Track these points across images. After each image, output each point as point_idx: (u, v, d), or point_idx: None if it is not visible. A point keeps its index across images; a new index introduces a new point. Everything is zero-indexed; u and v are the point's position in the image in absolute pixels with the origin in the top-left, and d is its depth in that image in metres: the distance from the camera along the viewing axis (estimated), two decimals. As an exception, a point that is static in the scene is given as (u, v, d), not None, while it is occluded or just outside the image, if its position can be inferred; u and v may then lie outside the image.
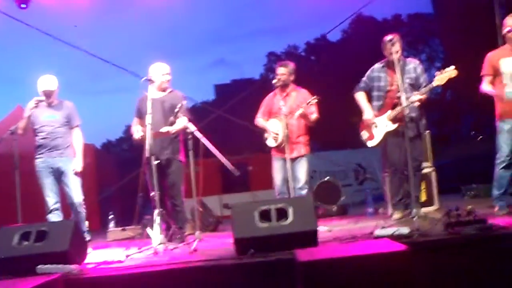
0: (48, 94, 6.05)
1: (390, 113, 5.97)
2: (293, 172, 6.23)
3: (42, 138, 6.01)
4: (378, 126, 6.08)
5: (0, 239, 4.61)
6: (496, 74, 5.56)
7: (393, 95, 5.87)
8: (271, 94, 6.69)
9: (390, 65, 5.96)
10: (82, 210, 6.04)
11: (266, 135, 6.58)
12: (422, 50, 27.76)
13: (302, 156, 6.39)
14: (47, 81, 6.07)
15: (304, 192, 6.33)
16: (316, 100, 6.23)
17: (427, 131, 7.07)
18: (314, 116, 6.38)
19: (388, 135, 6.03)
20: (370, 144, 6.23)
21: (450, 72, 5.46)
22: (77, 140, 6.16)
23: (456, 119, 24.66)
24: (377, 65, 6.18)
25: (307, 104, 6.20)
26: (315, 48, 30.59)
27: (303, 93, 6.47)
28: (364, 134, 6.25)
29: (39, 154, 6.01)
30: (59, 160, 5.99)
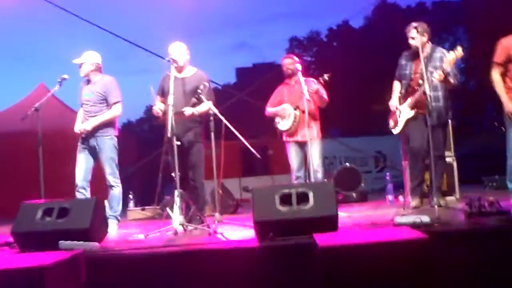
0: (80, 67, 6.13)
1: (410, 100, 5.95)
2: (307, 156, 6.48)
3: (83, 116, 6.12)
4: (401, 114, 6.06)
5: (24, 214, 4.69)
6: (509, 61, 5.47)
7: (416, 83, 5.85)
8: (280, 86, 6.96)
9: (415, 53, 5.91)
10: (113, 190, 6.06)
11: (277, 119, 6.77)
12: (446, 38, 27.39)
13: (315, 139, 6.54)
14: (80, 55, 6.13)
15: (319, 174, 6.50)
16: (328, 77, 6.45)
17: (449, 120, 7.04)
18: (325, 96, 6.60)
19: (409, 121, 6.00)
20: (394, 131, 6.22)
21: (457, 52, 5.46)
22: (110, 111, 6.08)
23: (479, 109, 24.34)
24: (404, 53, 6.16)
25: (320, 78, 6.50)
26: (337, 34, 30.37)
27: (311, 80, 6.65)
28: (391, 122, 6.25)
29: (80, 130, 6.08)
30: (94, 139, 6.02)
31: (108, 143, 6.05)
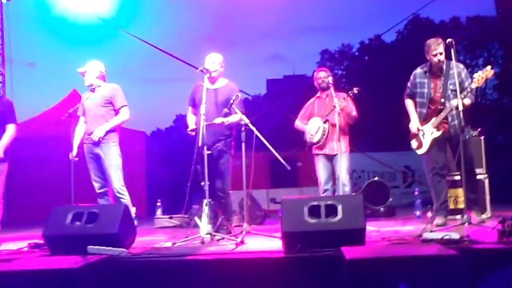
0: (83, 76, 6.17)
1: (434, 120, 5.89)
2: (335, 168, 6.49)
3: (87, 123, 6.14)
4: (425, 134, 6.00)
5: (54, 217, 4.76)
6: None
7: (437, 102, 5.79)
8: (311, 99, 6.96)
9: (433, 70, 5.86)
10: (122, 196, 5.99)
11: (306, 133, 6.79)
12: (480, 54, 27.07)
13: (343, 153, 6.50)
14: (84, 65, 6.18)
15: (347, 188, 6.47)
16: (357, 91, 6.48)
17: (482, 137, 6.97)
18: (353, 113, 6.59)
19: (434, 141, 5.93)
20: (419, 152, 6.14)
21: (487, 72, 5.36)
22: (119, 116, 6.07)
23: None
24: (419, 71, 6.06)
25: (348, 94, 6.51)
26: (369, 48, 30.24)
27: (341, 94, 6.63)
28: (414, 143, 6.17)
29: (85, 139, 6.11)
30: (98, 147, 6.00)
31: (112, 150, 6.03)
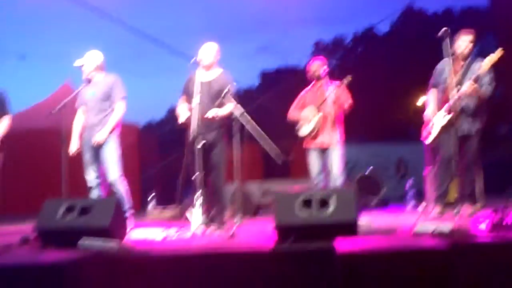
0: (83, 70, 6.13)
1: (446, 106, 5.96)
2: (328, 161, 6.50)
3: (87, 115, 6.11)
4: (435, 123, 6.11)
5: (47, 210, 4.74)
6: None
7: (454, 89, 5.85)
8: (305, 89, 6.92)
9: (456, 59, 5.98)
10: (119, 188, 5.99)
11: (299, 123, 6.75)
12: (474, 45, 27.08)
13: (336, 145, 6.51)
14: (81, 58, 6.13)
15: (339, 181, 6.47)
16: (349, 80, 6.47)
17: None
18: (349, 100, 6.57)
19: (442, 130, 6.03)
20: (427, 141, 6.26)
21: (497, 53, 5.58)
22: (114, 113, 6.05)
23: (506, 117, 24.00)
24: (446, 58, 6.13)
25: (341, 83, 6.49)
26: (362, 39, 30.22)
27: (337, 83, 6.62)
28: (424, 132, 6.29)
29: (84, 131, 6.09)
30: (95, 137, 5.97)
31: (111, 141, 6.02)
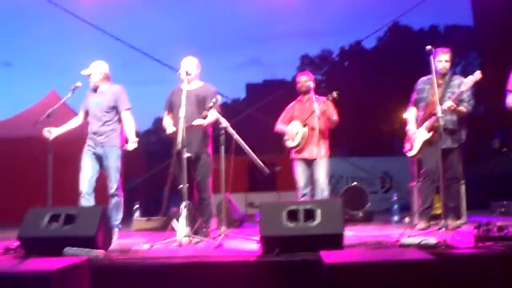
0: (89, 78, 6.15)
1: (427, 123, 6.05)
2: (313, 174, 6.54)
3: (90, 123, 6.12)
4: (418, 137, 6.18)
5: (30, 219, 4.70)
6: None
7: (433, 108, 5.90)
8: (292, 102, 6.98)
9: (436, 77, 5.99)
10: (116, 199, 6.02)
11: (285, 137, 6.80)
12: (458, 62, 27.43)
13: (322, 157, 6.53)
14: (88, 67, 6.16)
15: (325, 193, 6.51)
16: (336, 95, 6.47)
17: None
18: (334, 117, 6.62)
19: (425, 144, 6.11)
20: (410, 154, 6.34)
21: (476, 76, 5.61)
22: (126, 123, 6.07)
23: (487, 134, 24.27)
24: (424, 78, 6.31)
25: (327, 98, 6.50)
26: (349, 54, 30.47)
27: (323, 99, 6.64)
28: (407, 145, 6.37)
29: (88, 138, 6.08)
30: (101, 148, 5.99)
31: (115, 153, 6.03)
